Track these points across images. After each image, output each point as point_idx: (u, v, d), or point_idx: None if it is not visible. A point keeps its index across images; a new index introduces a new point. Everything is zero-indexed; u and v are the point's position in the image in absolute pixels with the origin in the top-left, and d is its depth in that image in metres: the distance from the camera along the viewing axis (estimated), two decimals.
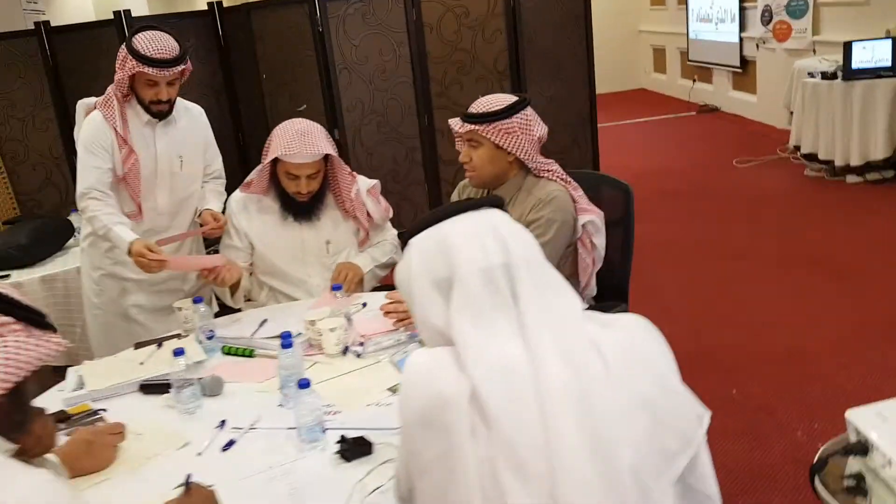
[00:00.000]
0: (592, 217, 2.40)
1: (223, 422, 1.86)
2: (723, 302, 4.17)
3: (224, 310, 2.79)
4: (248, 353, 2.24)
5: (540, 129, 2.38)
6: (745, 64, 8.87)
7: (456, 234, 1.23)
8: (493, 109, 2.33)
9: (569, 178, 2.43)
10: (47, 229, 3.56)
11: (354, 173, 2.76)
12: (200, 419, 1.91)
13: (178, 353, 1.95)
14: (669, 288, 4.45)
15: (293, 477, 1.60)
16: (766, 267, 4.58)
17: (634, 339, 1.23)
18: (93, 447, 1.71)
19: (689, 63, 10.32)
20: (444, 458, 1.13)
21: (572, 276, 2.46)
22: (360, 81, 4.94)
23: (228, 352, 2.26)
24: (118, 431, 1.78)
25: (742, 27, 8.80)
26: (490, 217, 1.26)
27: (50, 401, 2.08)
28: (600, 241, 2.45)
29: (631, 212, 2.60)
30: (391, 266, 2.81)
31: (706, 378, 3.34)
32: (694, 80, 10.14)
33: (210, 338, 2.30)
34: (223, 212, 2.83)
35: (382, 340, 2.20)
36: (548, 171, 2.41)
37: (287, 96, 5.01)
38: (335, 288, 2.38)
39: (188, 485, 1.38)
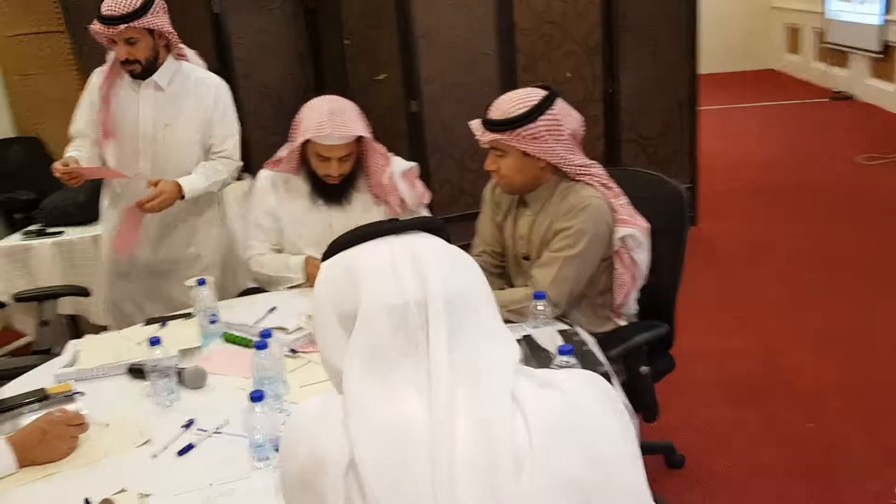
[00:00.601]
0: (632, 230, 2.13)
1: (190, 421, 1.76)
2: (811, 319, 3.76)
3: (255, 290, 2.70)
4: (247, 343, 2.13)
5: (572, 124, 2.12)
6: (887, 49, 8.06)
7: (367, 262, 1.03)
8: (514, 114, 2.07)
9: (611, 184, 2.17)
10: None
11: (390, 155, 2.59)
12: (174, 413, 1.82)
13: (154, 342, 1.85)
14: (749, 296, 4.07)
15: (231, 500, 1.47)
16: (872, 284, 4.09)
17: (574, 406, 1.00)
18: (47, 437, 1.63)
19: (823, 45, 9.51)
20: None
21: (607, 293, 2.21)
22: (441, 52, 4.72)
23: (229, 339, 2.16)
24: (78, 423, 1.71)
25: (887, 8, 7.99)
26: (416, 243, 1.05)
27: (42, 375, 2.05)
28: (642, 256, 2.18)
29: (685, 219, 2.31)
30: None
31: (777, 404, 3.01)
32: (830, 64, 9.34)
33: (213, 322, 2.20)
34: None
35: None
36: (586, 174, 2.16)
37: (368, 64, 4.87)
38: None
39: None
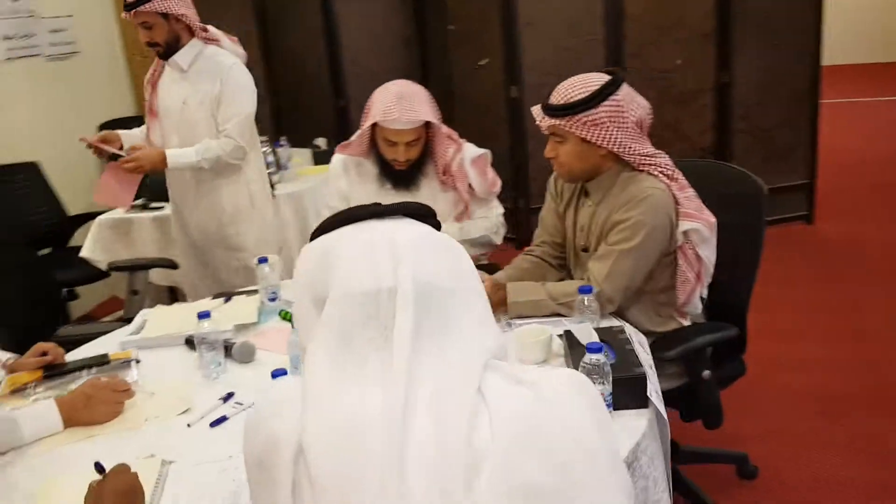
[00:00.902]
0: (696, 224, 2.00)
1: (230, 394, 1.81)
2: None
3: None
4: (285, 315, 2.16)
5: (637, 112, 2.01)
6: None
7: (344, 246, 1.01)
8: (574, 99, 1.99)
9: (676, 175, 2.05)
10: None
11: (462, 141, 2.57)
12: (219, 385, 1.87)
13: (202, 315, 1.91)
14: (859, 303, 3.78)
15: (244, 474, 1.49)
16: None
17: (545, 407, 0.95)
18: (91, 401, 1.72)
19: None
20: None
21: (669, 290, 2.10)
22: (544, 38, 4.63)
23: (285, 317, 2.20)
24: (124, 389, 1.79)
25: None
26: (398, 229, 1.02)
27: (111, 341, 2.17)
28: (707, 252, 2.05)
29: (761, 216, 2.16)
30: (487, 245, 2.60)
31: (872, 421, 2.79)
32: None
33: (272, 300, 2.25)
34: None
35: None
36: (650, 164, 2.05)
37: (470, 49, 4.84)
38: None
39: (101, 471, 1.31)
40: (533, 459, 0.91)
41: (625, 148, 2.01)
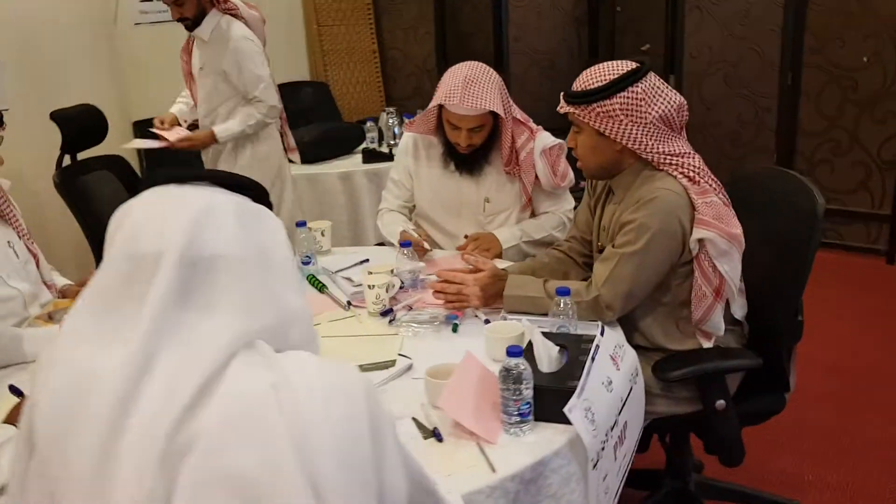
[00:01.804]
0: (710, 234, 1.79)
1: None
2: None
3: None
4: (321, 288, 2.23)
5: (660, 107, 1.83)
6: None
7: (135, 208, 1.02)
8: (590, 87, 1.85)
9: (700, 178, 1.85)
10: (335, 133, 3.91)
11: (538, 129, 2.48)
12: None
13: None
14: None
15: None
16: None
17: (281, 400, 0.90)
18: None
19: None
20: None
21: (684, 305, 1.91)
22: (713, 24, 4.30)
23: (310, 282, 2.27)
24: None
25: None
26: (191, 196, 1.01)
27: None
28: (728, 267, 1.84)
29: (814, 237, 1.89)
30: (550, 245, 2.49)
31: None
32: None
33: (305, 263, 2.34)
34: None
35: (421, 314, 2.00)
36: (671, 163, 1.86)
37: (634, 33, 4.62)
38: (403, 245, 2.21)
39: (18, 394, 1.43)
40: (247, 450, 0.88)
41: (640, 144, 1.84)
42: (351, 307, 2.09)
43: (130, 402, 0.89)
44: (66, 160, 2.95)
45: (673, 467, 2.23)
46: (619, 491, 1.64)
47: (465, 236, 2.46)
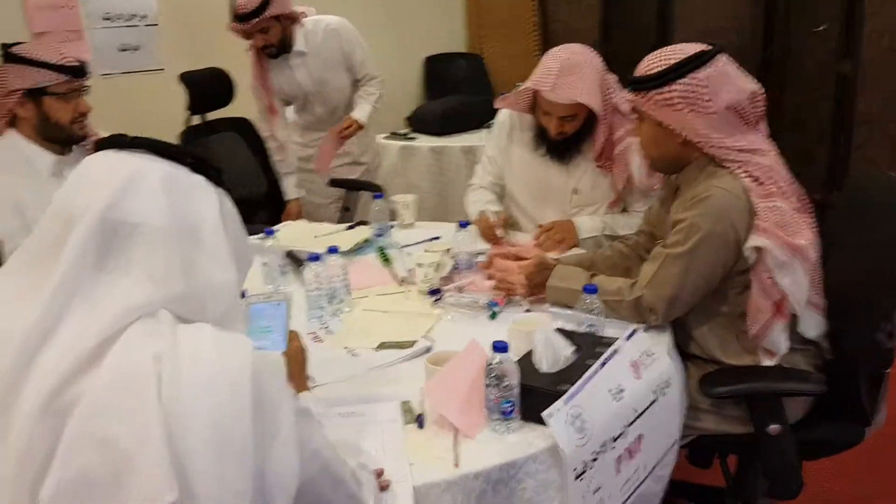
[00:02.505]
0: (766, 242, 1.60)
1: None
2: None
3: None
4: (386, 259, 2.24)
5: (727, 96, 1.65)
6: None
7: (77, 169, 1.07)
8: (649, 72, 1.70)
9: (767, 178, 1.65)
10: (465, 107, 3.89)
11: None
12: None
13: (268, 232, 2.10)
14: None
15: None
16: None
17: (155, 370, 0.92)
18: None
19: None
20: None
21: (744, 317, 1.73)
22: None
23: (380, 254, 2.28)
24: None
25: None
26: (124, 162, 1.03)
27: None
28: (789, 281, 1.64)
29: None
30: None
31: None
32: None
33: (378, 235, 2.36)
34: None
35: (466, 297, 1.96)
36: (738, 160, 1.67)
37: (808, 12, 4.19)
38: (462, 225, 2.14)
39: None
40: (119, 415, 0.91)
41: (702, 137, 1.68)
42: (404, 283, 2.09)
43: (32, 359, 0.93)
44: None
45: (733, 487, 2.05)
46: None
47: (539, 225, 2.37)
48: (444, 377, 1.47)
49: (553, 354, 1.51)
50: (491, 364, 1.39)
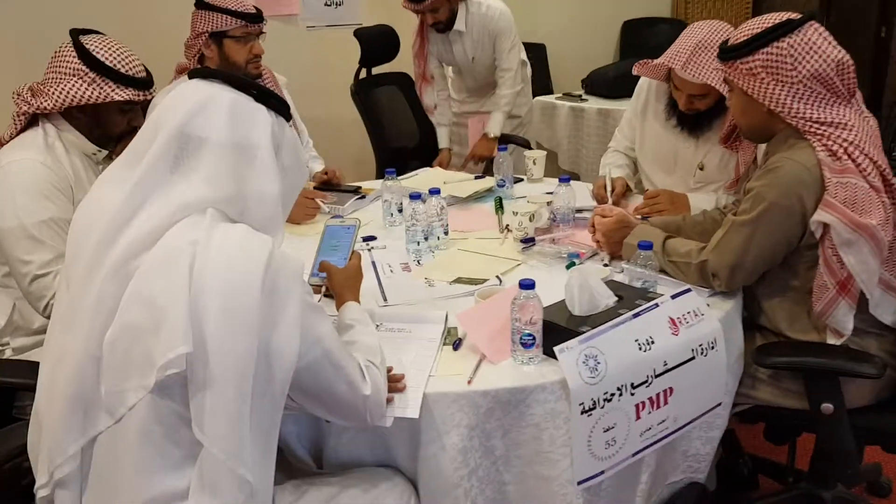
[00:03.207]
0: (832, 218, 1.56)
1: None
2: None
3: None
4: (500, 208, 2.39)
5: (813, 65, 1.61)
6: None
7: (172, 92, 1.33)
8: (736, 41, 1.69)
9: (845, 154, 1.60)
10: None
11: None
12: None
13: (389, 172, 2.34)
14: None
15: None
16: None
17: (193, 251, 1.19)
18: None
19: None
20: None
21: (810, 293, 1.70)
22: None
23: (496, 205, 2.40)
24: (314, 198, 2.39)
25: None
26: (211, 92, 1.28)
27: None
28: (854, 260, 1.59)
29: None
30: None
31: None
32: None
33: (500, 186, 2.53)
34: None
35: (551, 248, 2.07)
36: (818, 133, 1.63)
37: None
38: (562, 180, 2.22)
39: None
40: (159, 280, 1.18)
41: (784, 107, 1.66)
42: (505, 231, 2.24)
43: (114, 238, 1.22)
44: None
45: (791, 468, 2.02)
46: (644, 455, 1.60)
47: (645, 190, 2.39)
48: (481, 308, 1.64)
49: (589, 300, 1.61)
50: (515, 299, 1.52)
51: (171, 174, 1.26)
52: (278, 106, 1.37)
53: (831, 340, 1.72)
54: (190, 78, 1.36)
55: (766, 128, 1.76)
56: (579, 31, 4.83)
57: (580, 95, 3.98)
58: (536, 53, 4.77)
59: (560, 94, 4.03)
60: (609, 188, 2.42)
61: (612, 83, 3.85)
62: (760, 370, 1.78)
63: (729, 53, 1.72)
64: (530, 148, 3.01)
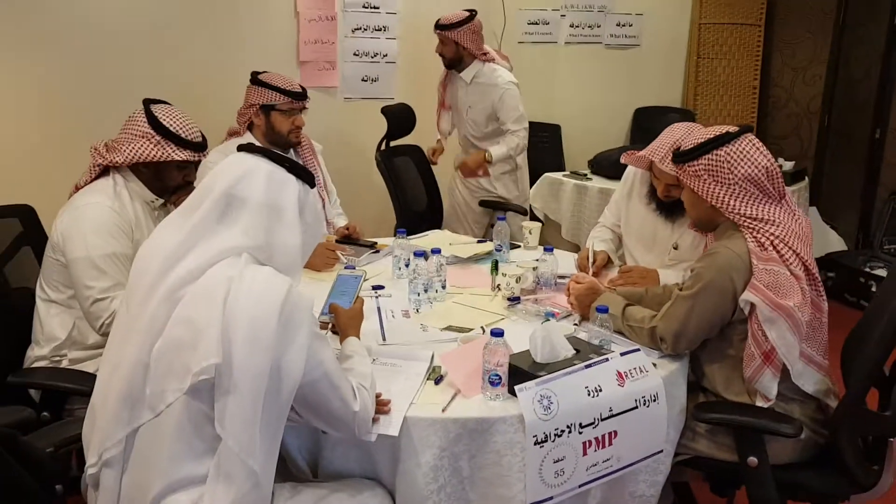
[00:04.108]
0: (756, 299, 1.87)
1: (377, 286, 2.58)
2: None
3: None
4: (495, 269, 2.71)
5: (747, 169, 1.95)
6: None
7: (223, 162, 1.70)
8: (684, 148, 2.04)
9: (773, 246, 1.92)
10: None
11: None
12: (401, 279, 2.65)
13: (400, 232, 2.69)
14: None
15: None
16: None
17: (225, 287, 1.51)
18: (315, 252, 2.68)
19: None
20: None
21: (741, 361, 2.00)
22: None
23: (492, 268, 2.74)
24: (337, 251, 2.74)
25: None
26: (248, 161, 1.64)
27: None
28: (775, 335, 1.90)
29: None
30: None
31: None
32: None
33: (498, 250, 2.86)
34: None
35: (534, 307, 2.39)
36: (750, 227, 1.96)
37: None
38: (546, 250, 2.56)
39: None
40: (200, 306, 1.53)
41: (722, 203, 1.99)
42: (497, 289, 2.57)
43: (168, 271, 1.57)
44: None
45: None
46: (591, 488, 1.88)
47: (623, 263, 2.71)
48: (460, 351, 1.96)
49: (551, 350, 1.92)
50: (488, 344, 1.84)
51: (217, 224, 1.61)
52: (305, 176, 1.73)
53: (759, 403, 2.01)
54: (238, 151, 1.72)
55: (710, 219, 2.08)
56: (593, 115, 5.22)
57: (586, 174, 4.32)
58: (552, 133, 5.17)
59: (567, 172, 4.38)
60: (591, 259, 2.74)
61: (615, 165, 4.15)
62: (700, 424, 2.06)
63: (679, 158, 2.06)
64: (526, 215, 3.39)
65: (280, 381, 1.52)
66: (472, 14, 3.87)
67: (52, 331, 2.24)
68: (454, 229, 3.78)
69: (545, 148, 5.12)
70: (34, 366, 2.24)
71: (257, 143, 2.89)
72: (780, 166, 4.16)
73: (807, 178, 4.30)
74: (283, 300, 1.53)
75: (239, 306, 1.51)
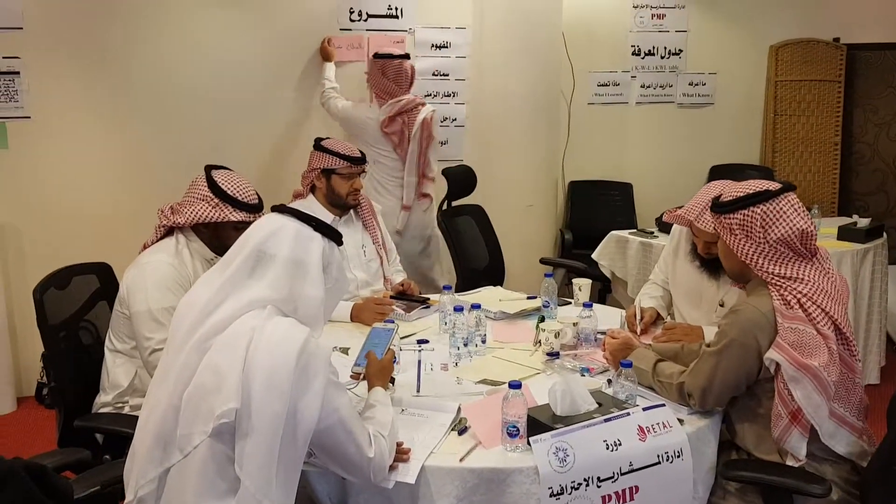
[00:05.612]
0: (780, 358, 1.85)
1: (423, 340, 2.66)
2: None
3: None
4: (537, 325, 2.75)
5: (781, 230, 1.95)
6: None
7: (258, 221, 1.86)
8: (723, 200, 2.05)
9: (800, 305, 1.90)
10: None
11: None
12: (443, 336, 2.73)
13: (446, 288, 2.77)
14: None
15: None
16: None
17: (250, 338, 1.64)
18: (364, 308, 2.81)
19: None
20: None
21: (766, 417, 1.97)
22: None
23: (538, 322, 2.79)
24: (386, 305, 2.85)
25: None
26: (277, 221, 1.78)
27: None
28: (801, 395, 1.87)
29: None
30: None
31: None
32: None
33: (545, 307, 2.90)
34: None
35: (570, 363, 2.42)
36: (777, 284, 1.95)
37: None
38: (585, 305, 2.57)
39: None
40: (224, 355, 1.66)
41: (751, 260, 2.00)
42: (538, 344, 2.61)
43: (202, 322, 1.72)
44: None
45: None
46: None
47: (667, 322, 2.70)
48: (483, 403, 2.01)
49: (571, 403, 1.95)
50: (506, 397, 1.89)
51: (248, 279, 1.75)
52: (331, 234, 1.85)
53: (790, 463, 1.97)
54: (271, 211, 1.87)
55: (742, 272, 2.09)
56: (666, 173, 5.21)
57: (652, 232, 4.31)
58: (622, 191, 5.19)
59: (634, 230, 4.39)
60: (638, 316, 2.75)
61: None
62: (730, 483, 2.03)
63: (717, 208, 2.08)
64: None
65: (296, 425, 1.63)
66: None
67: (117, 379, 2.43)
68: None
69: (616, 206, 5.14)
70: (100, 411, 2.43)
71: (318, 205, 3.08)
72: (855, 223, 4.12)
73: (885, 234, 4.15)
74: (301, 349, 1.64)
75: (259, 354, 1.63)
